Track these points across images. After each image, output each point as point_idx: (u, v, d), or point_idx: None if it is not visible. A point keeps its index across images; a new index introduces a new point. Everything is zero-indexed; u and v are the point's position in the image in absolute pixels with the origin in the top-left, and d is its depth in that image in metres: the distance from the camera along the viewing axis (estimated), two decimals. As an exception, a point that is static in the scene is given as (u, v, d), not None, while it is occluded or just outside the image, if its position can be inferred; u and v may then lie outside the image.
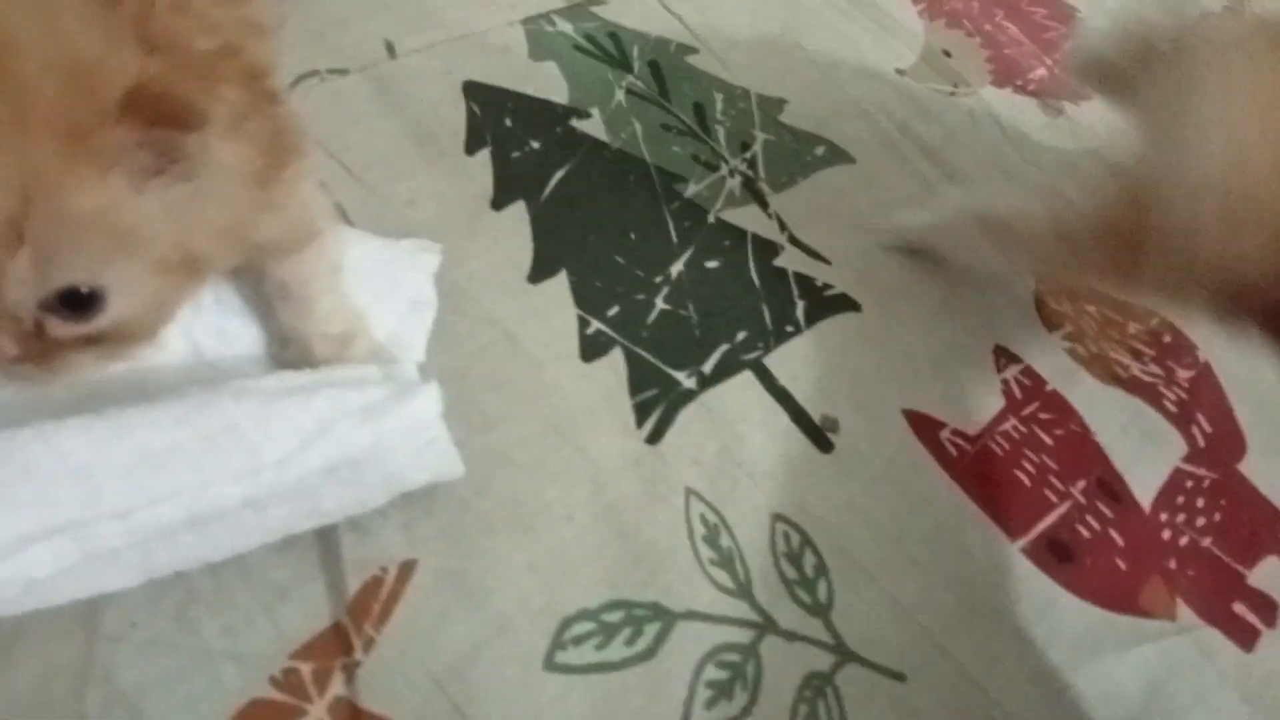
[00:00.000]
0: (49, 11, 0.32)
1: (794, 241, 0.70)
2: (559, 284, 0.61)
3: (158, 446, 0.40)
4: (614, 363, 0.59)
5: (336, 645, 0.44)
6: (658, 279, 0.64)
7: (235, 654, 0.43)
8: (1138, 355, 0.75)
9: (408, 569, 0.47)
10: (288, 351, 0.48)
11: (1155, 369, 0.74)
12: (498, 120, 0.67)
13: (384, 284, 0.50)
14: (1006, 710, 0.55)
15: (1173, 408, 0.73)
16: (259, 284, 0.48)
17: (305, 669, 0.43)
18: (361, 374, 0.45)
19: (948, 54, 0.89)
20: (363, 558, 0.47)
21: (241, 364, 0.47)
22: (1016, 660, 0.57)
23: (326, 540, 0.47)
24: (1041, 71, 0.92)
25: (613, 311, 0.61)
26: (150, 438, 0.40)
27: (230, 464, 0.40)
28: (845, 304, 0.68)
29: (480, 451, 0.51)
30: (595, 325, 0.60)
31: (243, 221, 0.39)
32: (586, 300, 0.61)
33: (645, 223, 0.66)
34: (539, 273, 0.61)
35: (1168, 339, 0.77)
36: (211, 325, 0.46)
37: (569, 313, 0.60)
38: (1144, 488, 0.68)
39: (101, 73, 0.31)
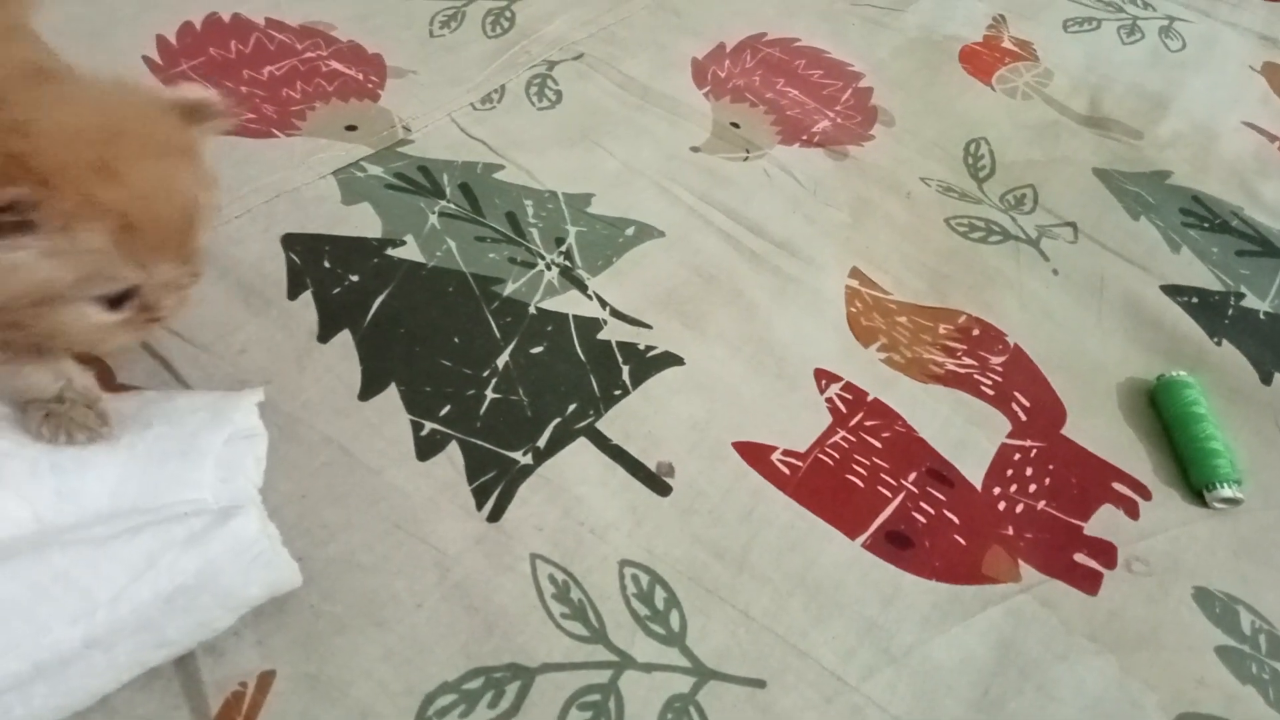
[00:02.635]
0: None
1: (616, 315, 0.77)
2: (389, 396, 0.66)
3: (-10, 605, 0.43)
4: (450, 456, 0.64)
5: (204, 764, 0.47)
6: (485, 373, 0.69)
7: (104, 793, 0.45)
8: (951, 352, 0.82)
9: (266, 679, 0.51)
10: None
11: (969, 361, 0.81)
12: (316, 263, 0.73)
13: (208, 419, 0.54)
14: (869, 695, 0.59)
15: (990, 391, 0.79)
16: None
17: (176, 793, 0.46)
18: (192, 505, 0.49)
19: (736, 125, 0.98)
20: (222, 678, 0.50)
21: (84, 518, 0.50)
22: (871, 647, 0.61)
23: (186, 669, 0.50)
24: (825, 124, 1.01)
25: (444, 411, 0.66)
26: (-20, 598, 0.43)
27: (65, 609, 0.44)
28: (669, 360, 0.74)
29: (325, 561, 0.55)
30: (429, 426, 0.65)
31: None
32: (417, 405, 0.66)
33: (468, 326, 0.72)
34: (369, 390, 0.66)
35: (976, 332, 0.84)
36: (49, 488, 0.50)
37: (402, 420, 0.65)
38: (973, 468, 0.73)
39: None
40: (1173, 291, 0.91)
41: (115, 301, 0.48)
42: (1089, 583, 0.68)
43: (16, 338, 0.49)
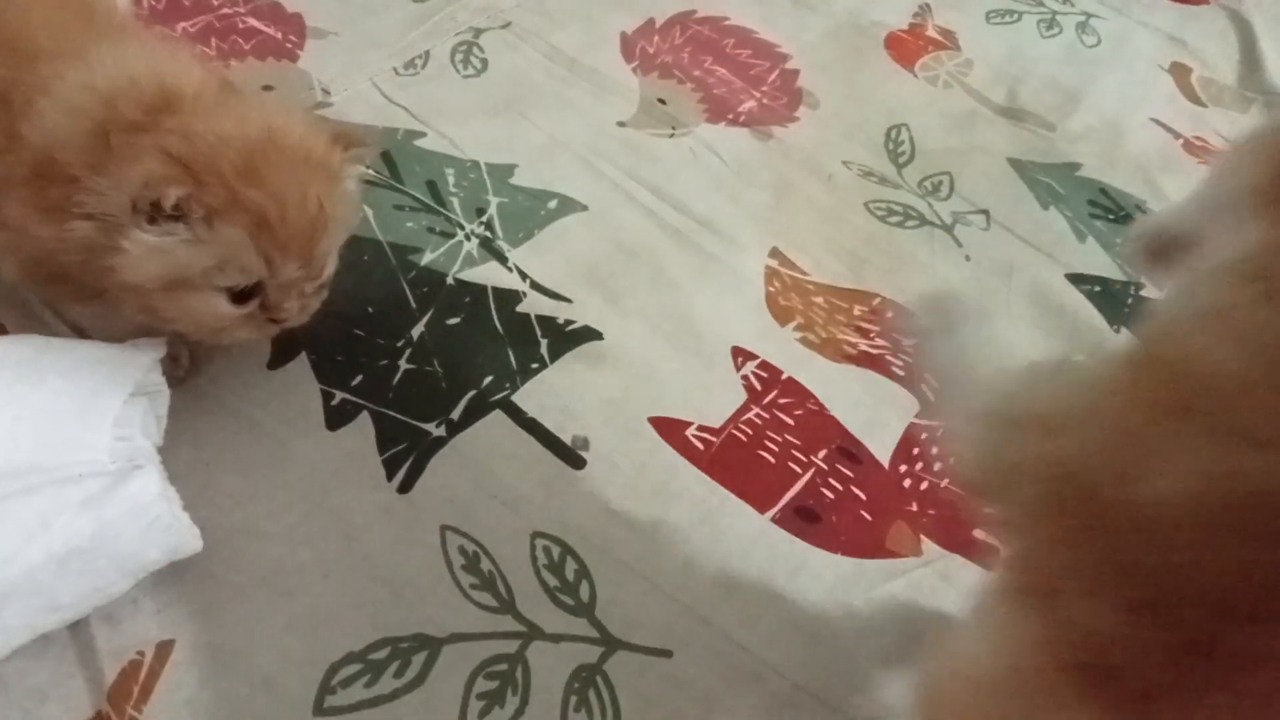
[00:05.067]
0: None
1: (536, 288, 0.77)
2: (300, 365, 0.65)
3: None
4: (361, 426, 0.63)
5: (98, 733, 0.46)
6: (399, 343, 0.69)
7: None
8: (864, 333, 0.84)
9: (165, 649, 0.50)
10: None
11: (882, 342, 0.83)
12: (227, 227, 0.71)
13: (109, 375, 0.53)
14: (770, 662, 0.60)
15: (901, 373, 0.81)
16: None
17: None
18: (88, 466, 0.48)
19: (663, 102, 0.99)
20: (118, 646, 0.49)
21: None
22: (775, 618, 0.63)
23: (81, 637, 0.49)
24: (751, 104, 1.02)
25: (357, 380, 0.65)
26: None
27: (-48, 574, 0.42)
28: (588, 335, 0.75)
29: (229, 530, 0.55)
30: (340, 396, 0.64)
31: None
32: (328, 375, 0.65)
33: (382, 296, 0.71)
34: (278, 360, 0.65)
35: (890, 314, 0.86)
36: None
37: (312, 389, 0.64)
38: (882, 447, 0.75)
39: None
40: (1077, 280, 0.94)
41: (241, 297, 0.53)
42: (988, 557, 0.71)
43: (145, 320, 0.55)
